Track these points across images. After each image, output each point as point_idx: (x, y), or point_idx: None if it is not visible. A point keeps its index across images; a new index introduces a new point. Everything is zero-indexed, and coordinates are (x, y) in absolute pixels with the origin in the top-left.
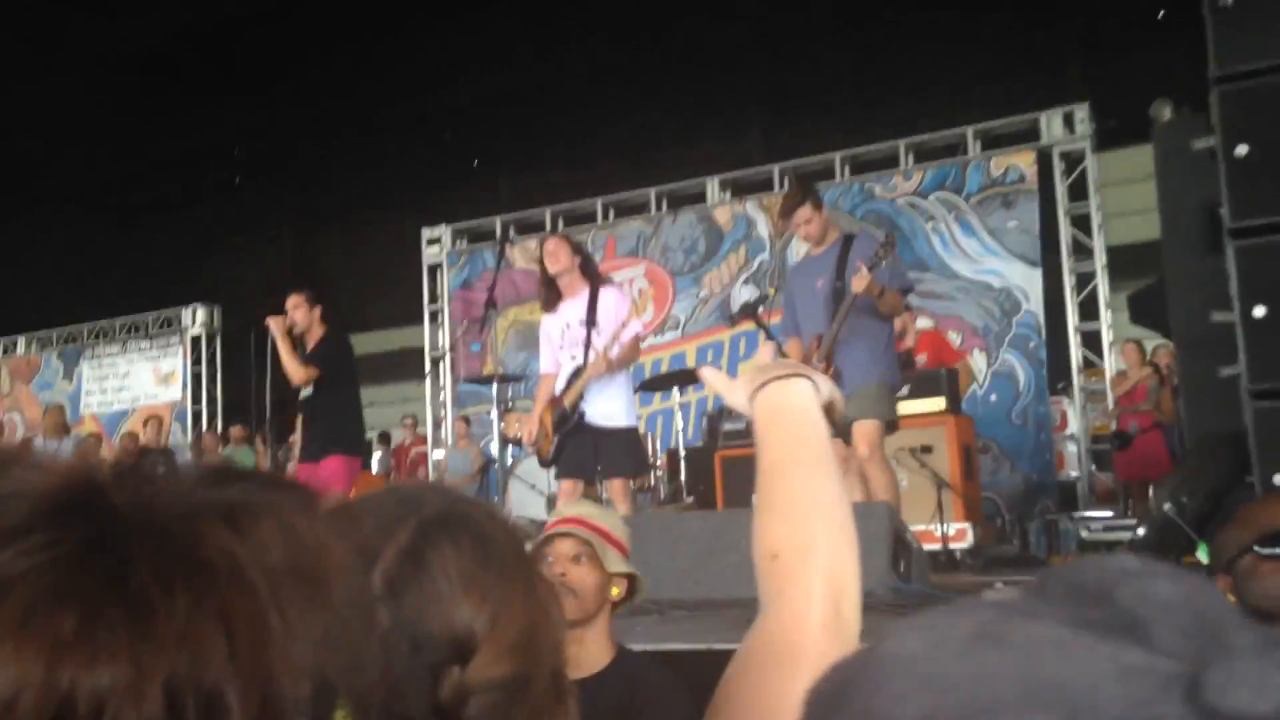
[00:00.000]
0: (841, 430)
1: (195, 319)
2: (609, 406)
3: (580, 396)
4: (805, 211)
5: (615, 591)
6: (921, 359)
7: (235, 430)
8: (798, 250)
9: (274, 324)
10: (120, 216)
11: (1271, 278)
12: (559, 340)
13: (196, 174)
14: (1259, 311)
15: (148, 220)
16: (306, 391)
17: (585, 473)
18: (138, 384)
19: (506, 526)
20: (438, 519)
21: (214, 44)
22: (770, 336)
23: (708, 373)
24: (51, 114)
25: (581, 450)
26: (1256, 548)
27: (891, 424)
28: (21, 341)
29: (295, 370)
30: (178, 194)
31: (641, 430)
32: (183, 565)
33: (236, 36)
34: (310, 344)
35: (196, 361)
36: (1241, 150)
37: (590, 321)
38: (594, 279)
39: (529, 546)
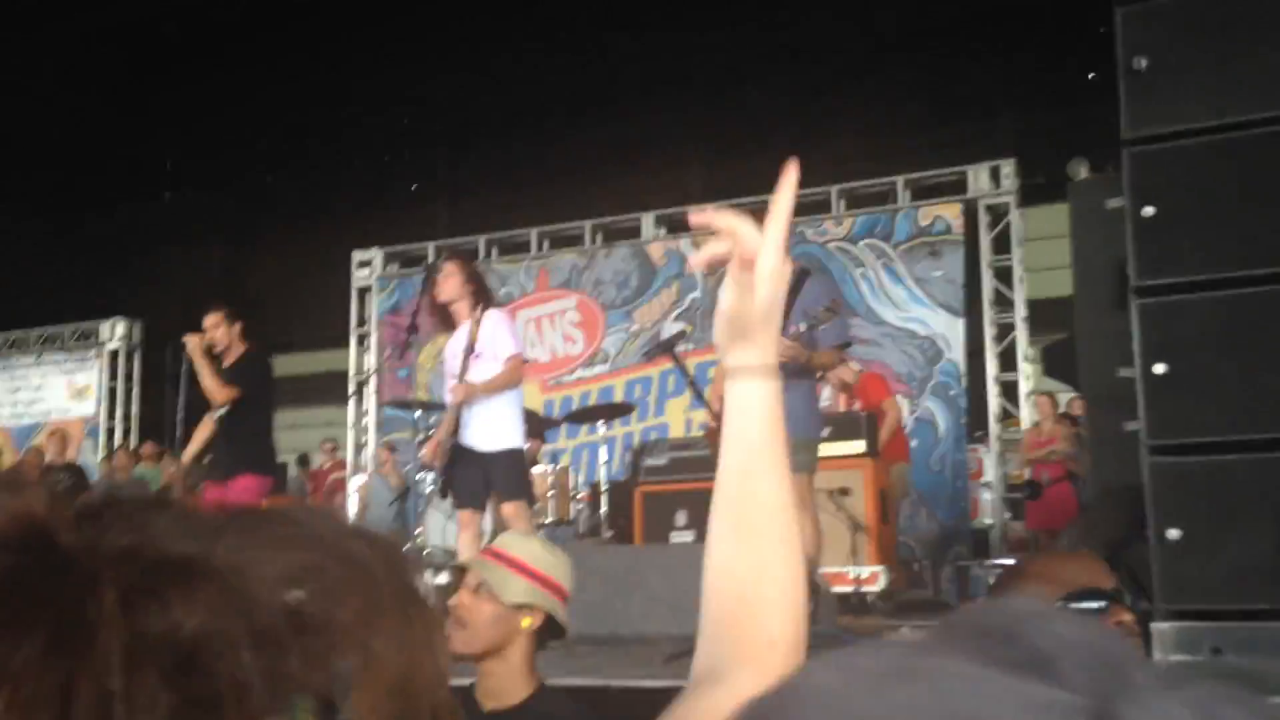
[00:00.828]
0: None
1: (115, 332)
2: (491, 429)
3: (455, 425)
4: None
5: (526, 622)
6: (857, 402)
7: (147, 448)
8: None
9: (191, 342)
10: (42, 225)
11: (1172, 336)
12: (453, 367)
13: (124, 184)
14: (1159, 368)
15: (70, 230)
16: (221, 409)
17: (478, 500)
18: (51, 397)
19: (403, 563)
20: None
21: (147, 53)
22: (686, 374)
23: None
24: None
25: (471, 478)
26: (1069, 604)
27: (812, 472)
28: None
29: (214, 389)
30: (103, 204)
31: (564, 463)
32: (59, 622)
33: (171, 46)
34: (228, 361)
35: (113, 376)
36: (1148, 211)
37: (469, 349)
38: (482, 303)
39: (442, 578)
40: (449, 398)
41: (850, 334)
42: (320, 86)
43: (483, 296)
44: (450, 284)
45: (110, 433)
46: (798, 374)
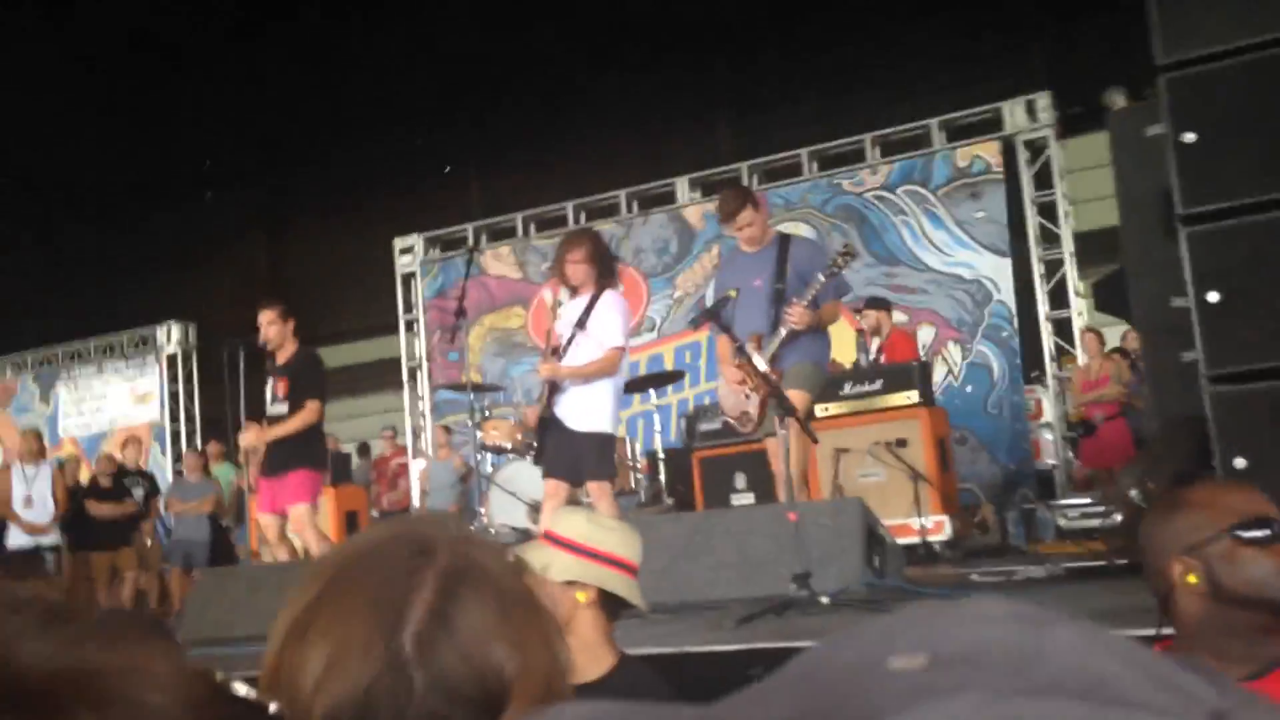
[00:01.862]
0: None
1: (170, 336)
2: (583, 408)
3: (549, 396)
4: (748, 214)
5: (582, 598)
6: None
7: (213, 447)
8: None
9: (249, 436)
10: (90, 234)
11: (1223, 263)
12: (559, 336)
13: (165, 188)
14: (1213, 297)
15: (118, 237)
16: (278, 409)
17: (562, 472)
18: (115, 404)
19: (514, 566)
20: (455, 572)
21: (180, 55)
22: (734, 339)
23: None
24: (16, 132)
25: (560, 450)
26: (1238, 532)
27: (812, 400)
28: (9, 369)
29: (301, 423)
30: (147, 210)
31: (621, 433)
32: None
33: (203, 48)
34: (281, 359)
35: (173, 380)
36: (1189, 137)
37: (580, 324)
38: (603, 281)
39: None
40: (541, 366)
41: (846, 284)
42: (344, 76)
43: (608, 276)
44: (577, 270)
45: (175, 435)
46: (812, 331)
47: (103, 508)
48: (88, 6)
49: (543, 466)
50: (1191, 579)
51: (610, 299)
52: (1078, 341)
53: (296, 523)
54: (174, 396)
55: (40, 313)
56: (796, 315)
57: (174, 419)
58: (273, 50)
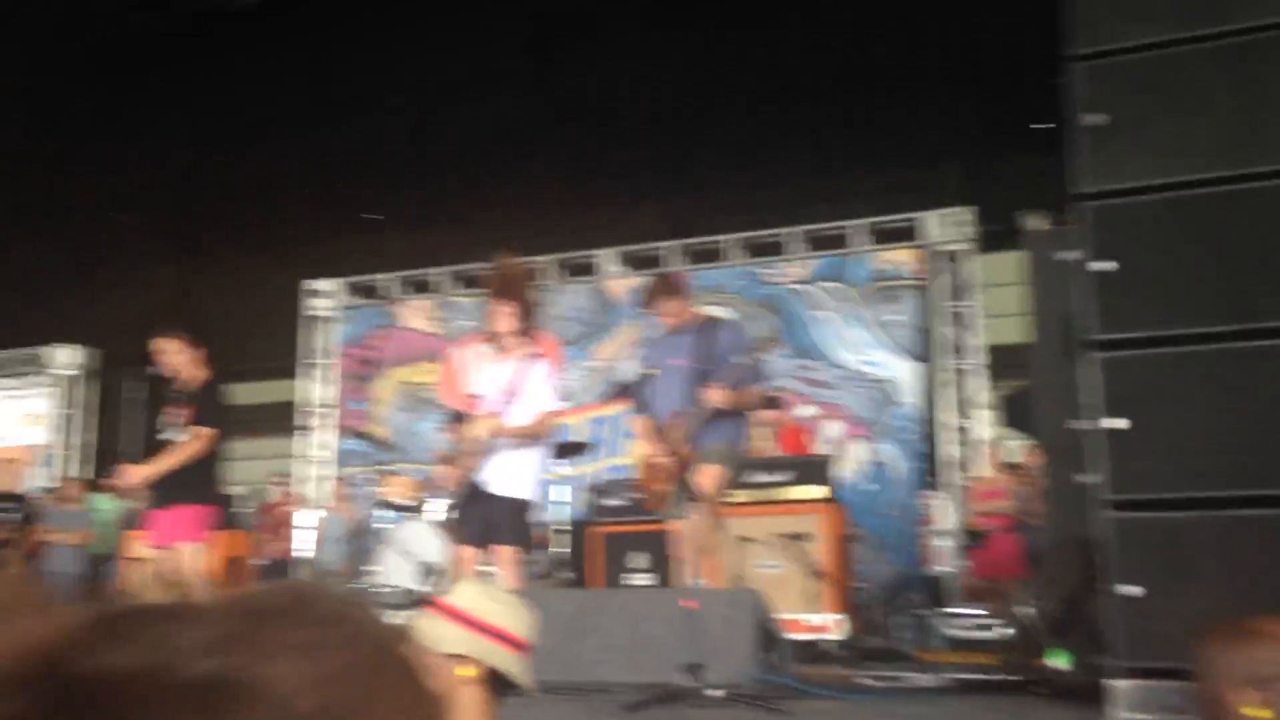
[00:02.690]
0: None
1: (63, 358)
2: (506, 475)
3: (475, 460)
4: (672, 305)
5: (467, 672)
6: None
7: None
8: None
9: (133, 476)
10: None
11: (1131, 390)
12: (484, 399)
13: (73, 205)
14: (1121, 423)
15: (17, 251)
16: (172, 436)
17: (477, 539)
18: (1, 424)
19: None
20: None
21: (97, 71)
22: (651, 416)
23: None
24: None
25: (477, 516)
26: None
27: (731, 476)
28: None
29: (190, 452)
30: (51, 225)
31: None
32: None
33: (121, 64)
34: (181, 388)
35: (68, 405)
36: (1106, 266)
37: (510, 391)
38: (533, 346)
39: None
40: (469, 423)
41: (766, 370)
42: (276, 111)
43: (535, 337)
44: (504, 320)
45: (64, 460)
46: (730, 413)
47: None
48: (11, 11)
49: (458, 532)
50: (1263, 712)
51: (544, 368)
52: (979, 451)
53: (182, 561)
54: (67, 420)
55: None
56: (717, 396)
57: (65, 444)
58: (198, 78)
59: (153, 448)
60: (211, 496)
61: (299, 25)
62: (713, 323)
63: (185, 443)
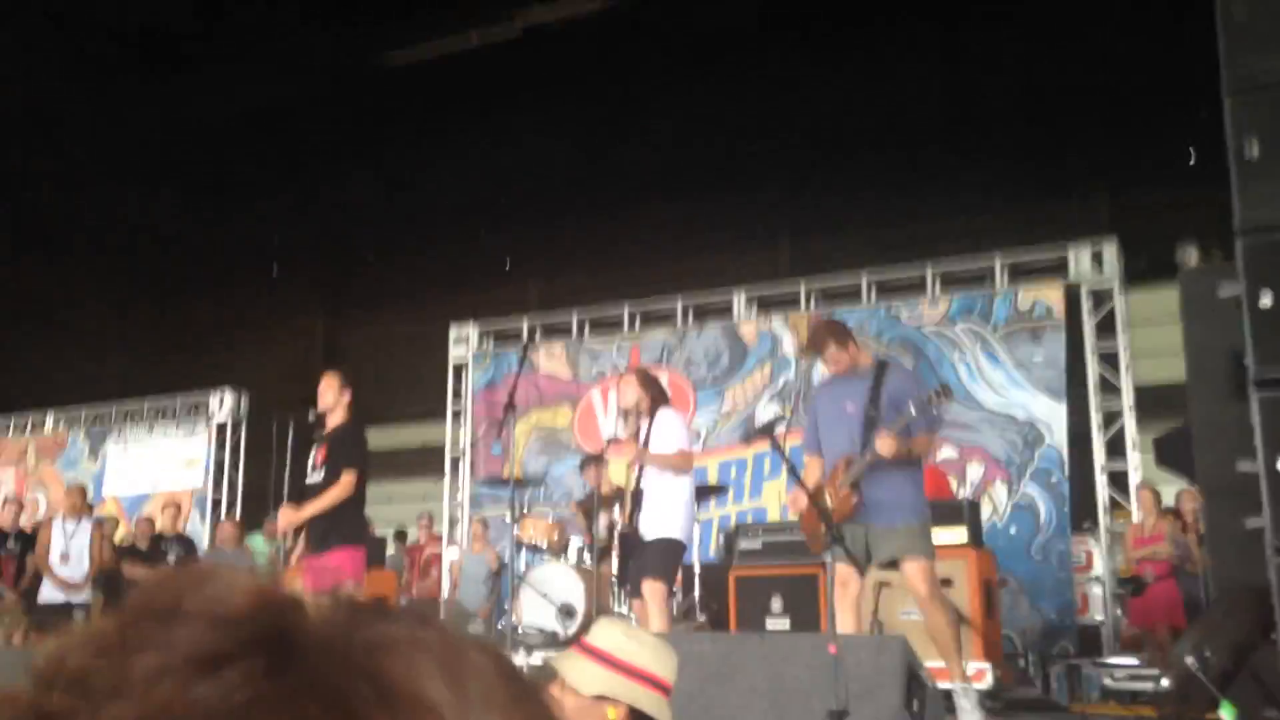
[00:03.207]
0: (865, 557)
1: (223, 404)
2: (658, 517)
3: (631, 512)
4: (833, 352)
5: (612, 714)
6: None
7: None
8: (823, 368)
9: (285, 518)
10: (155, 297)
11: None
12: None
13: (232, 259)
14: None
15: (181, 302)
16: (315, 478)
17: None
18: (160, 467)
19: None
20: (461, 632)
21: (257, 132)
22: (785, 460)
23: None
24: (92, 194)
25: (634, 562)
26: None
27: (933, 559)
28: (50, 419)
29: (339, 496)
30: (212, 278)
31: None
32: (406, 706)
33: (279, 125)
34: (329, 426)
35: (221, 447)
36: (1266, 301)
37: (645, 443)
38: (655, 403)
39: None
40: (613, 457)
41: (940, 418)
42: (418, 165)
43: (659, 400)
44: (629, 392)
45: (216, 504)
46: (905, 461)
47: (137, 570)
48: (178, 82)
49: (629, 587)
50: None
51: (668, 414)
52: (1132, 495)
53: None
54: (219, 465)
55: (97, 370)
56: (885, 445)
57: (216, 487)
58: (347, 137)
59: (300, 490)
60: (361, 537)
61: (443, 81)
62: (885, 367)
63: (332, 487)
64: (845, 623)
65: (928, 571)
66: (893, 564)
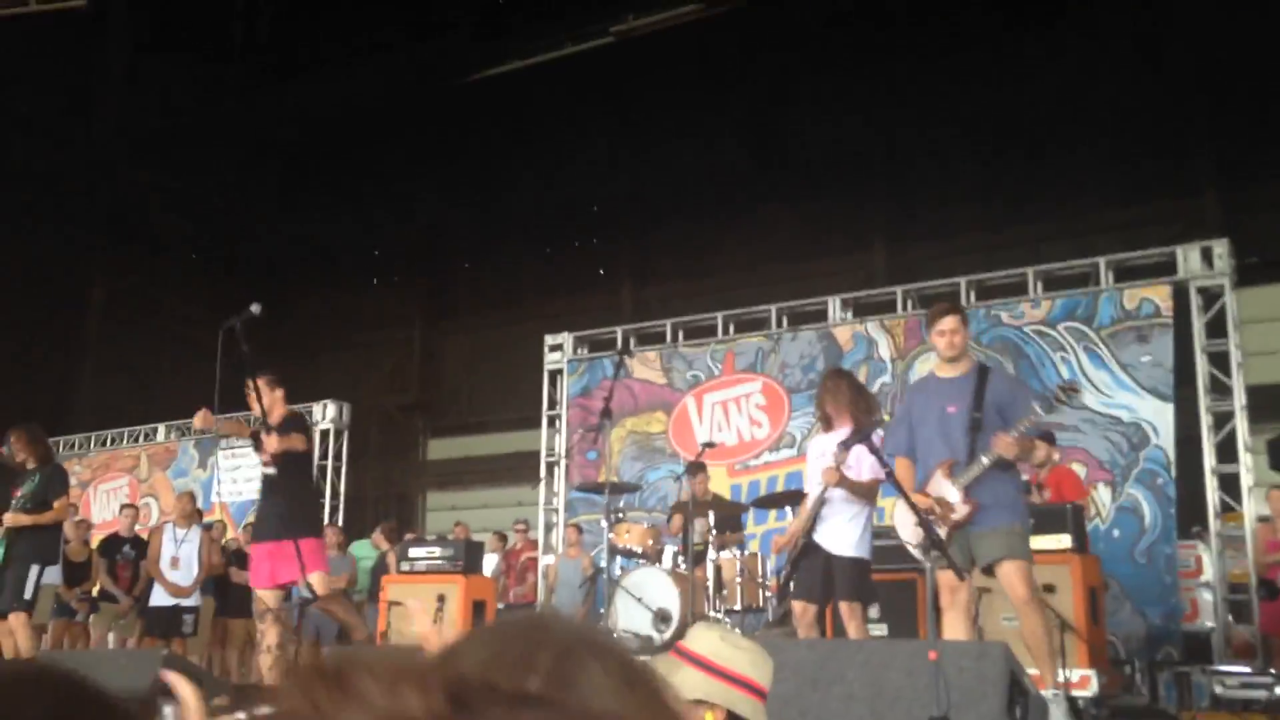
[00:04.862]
0: (967, 562)
1: (325, 414)
2: (842, 534)
3: (811, 522)
4: (951, 321)
5: (710, 718)
6: (1046, 493)
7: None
8: (919, 372)
9: (201, 418)
10: (260, 309)
11: None
12: (815, 463)
13: (332, 270)
14: None
15: (285, 315)
16: (269, 470)
17: (812, 594)
18: None
19: (635, 654)
20: (579, 643)
21: (354, 144)
22: (883, 464)
23: None
24: (198, 208)
25: (811, 573)
26: None
27: (1032, 564)
28: (161, 429)
29: (272, 441)
30: (315, 291)
31: (755, 549)
32: None
33: (378, 139)
34: (273, 420)
35: (323, 456)
36: None
37: (840, 463)
38: (859, 421)
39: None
40: (811, 490)
41: (1049, 423)
42: (515, 178)
43: (861, 410)
44: (839, 396)
45: (327, 510)
46: (1008, 465)
47: (244, 574)
48: (282, 94)
49: (794, 587)
50: None
51: (862, 449)
52: (1244, 498)
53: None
54: (321, 471)
55: (207, 383)
56: (1006, 444)
57: (327, 495)
58: (444, 150)
59: (270, 484)
60: (319, 529)
61: (536, 89)
62: (988, 371)
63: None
64: (957, 630)
65: (1025, 573)
66: (991, 568)
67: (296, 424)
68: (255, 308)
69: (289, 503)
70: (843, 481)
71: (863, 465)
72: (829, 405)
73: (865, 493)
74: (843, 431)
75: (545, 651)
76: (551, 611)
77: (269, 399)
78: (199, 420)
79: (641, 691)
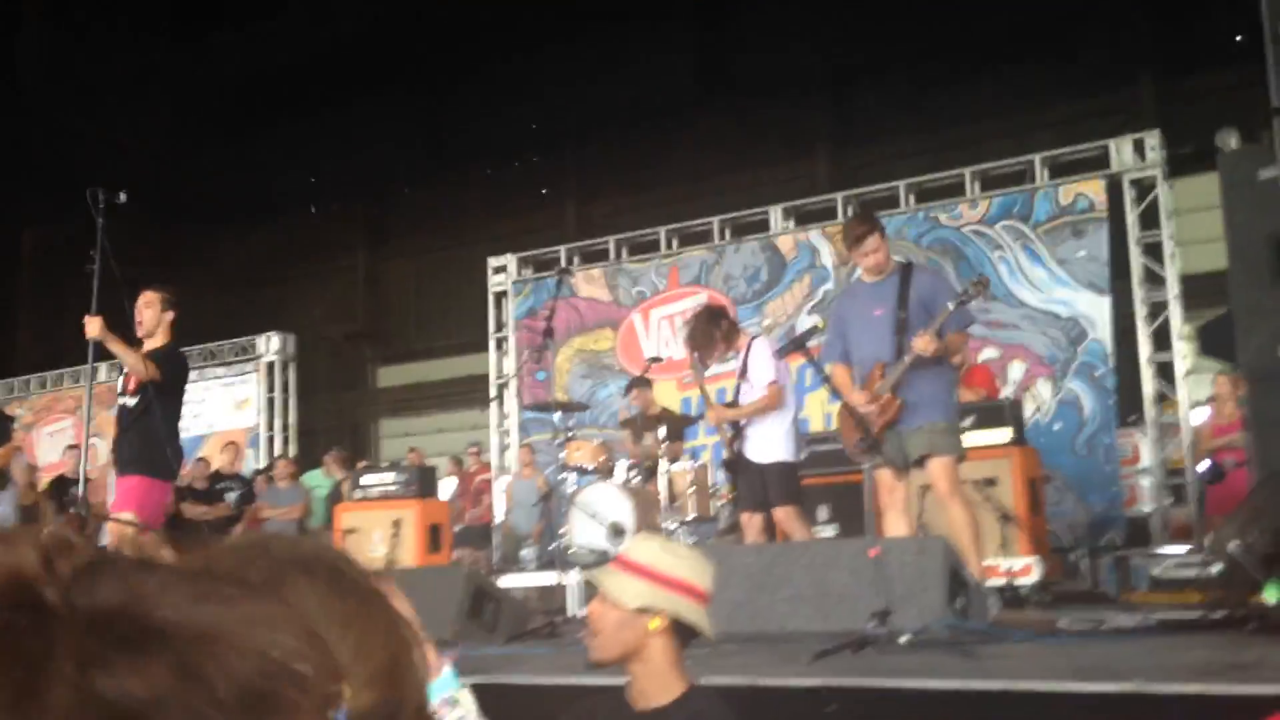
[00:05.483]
0: (902, 461)
1: (270, 346)
2: (764, 444)
3: (733, 438)
4: (874, 240)
5: (653, 624)
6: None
7: (332, 457)
8: (860, 270)
9: (92, 326)
10: (198, 244)
11: None
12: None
13: (271, 201)
14: None
15: (224, 248)
16: (128, 399)
17: (752, 504)
18: (213, 410)
19: (359, 565)
20: (291, 560)
21: (290, 71)
22: (819, 370)
23: None
24: (132, 142)
25: (750, 485)
26: None
27: (961, 458)
28: (104, 368)
29: (136, 364)
30: (252, 222)
31: (706, 460)
32: (21, 679)
33: (312, 67)
34: (147, 348)
35: (270, 388)
36: None
37: (741, 372)
38: (733, 344)
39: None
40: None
41: (971, 315)
42: (448, 99)
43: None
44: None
45: (269, 441)
46: (936, 361)
47: (196, 509)
48: (214, 37)
49: (737, 500)
50: None
51: (760, 345)
52: (1179, 385)
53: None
54: (270, 404)
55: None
56: (923, 343)
57: (269, 426)
58: (380, 75)
59: (126, 414)
60: (164, 471)
61: (465, 10)
62: (910, 269)
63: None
64: (898, 527)
65: (949, 469)
66: (921, 462)
67: (170, 357)
68: (122, 195)
69: (139, 440)
70: (722, 416)
71: (759, 373)
72: (699, 347)
73: (756, 410)
74: (733, 359)
75: (256, 566)
76: (277, 534)
77: (154, 318)
78: (91, 328)
79: (351, 601)
